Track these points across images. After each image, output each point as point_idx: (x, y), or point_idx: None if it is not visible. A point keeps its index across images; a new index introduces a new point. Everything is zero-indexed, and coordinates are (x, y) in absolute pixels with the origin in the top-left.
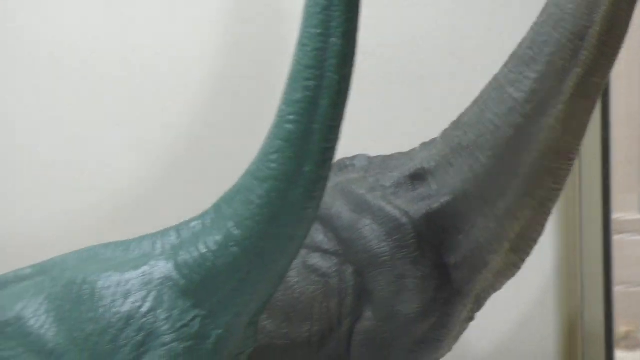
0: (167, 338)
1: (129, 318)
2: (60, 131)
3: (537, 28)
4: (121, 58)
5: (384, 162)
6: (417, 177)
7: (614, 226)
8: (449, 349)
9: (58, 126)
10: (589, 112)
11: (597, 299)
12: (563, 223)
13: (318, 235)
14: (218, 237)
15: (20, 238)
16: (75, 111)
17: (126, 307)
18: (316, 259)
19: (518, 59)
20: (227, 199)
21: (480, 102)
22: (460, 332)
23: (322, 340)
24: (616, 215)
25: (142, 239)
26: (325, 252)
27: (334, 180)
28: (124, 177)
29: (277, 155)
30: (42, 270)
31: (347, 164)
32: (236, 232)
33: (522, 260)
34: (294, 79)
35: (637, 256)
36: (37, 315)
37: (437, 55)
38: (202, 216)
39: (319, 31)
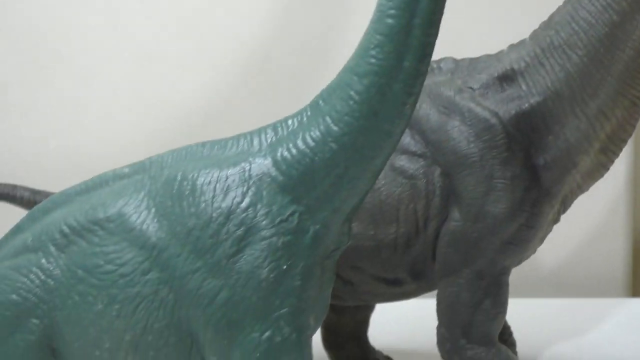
0: (267, 232)
1: (229, 213)
2: (135, 49)
3: None
4: None
5: (471, 65)
6: (506, 78)
7: None
8: (534, 251)
9: (134, 45)
10: None
11: None
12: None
13: (405, 137)
14: (316, 133)
15: (100, 152)
16: (148, 30)
17: (226, 202)
18: (403, 161)
19: None
20: (325, 95)
21: (573, 1)
22: (546, 234)
23: (408, 242)
24: None
25: (238, 137)
26: (412, 154)
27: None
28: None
29: (377, 50)
30: (140, 168)
31: (434, 67)
32: (335, 128)
33: (611, 161)
34: None
35: None
36: (138, 211)
37: None
38: (299, 113)
39: None
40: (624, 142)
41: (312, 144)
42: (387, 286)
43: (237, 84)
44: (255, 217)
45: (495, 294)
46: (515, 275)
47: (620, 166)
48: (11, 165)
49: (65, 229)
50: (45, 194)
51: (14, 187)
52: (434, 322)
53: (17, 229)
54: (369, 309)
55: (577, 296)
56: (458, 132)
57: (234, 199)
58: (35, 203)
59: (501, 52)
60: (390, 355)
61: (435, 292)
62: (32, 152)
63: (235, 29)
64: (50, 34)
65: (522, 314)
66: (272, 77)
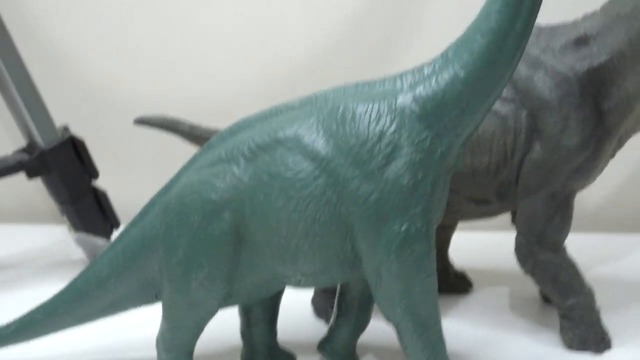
0: (407, 150)
1: (381, 134)
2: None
3: None
4: None
5: (552, 30)
6: (581, 41)
7: None
8: (594, 179)
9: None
10: None
11: None
12: None
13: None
14: (447, 77)
15: (220, 97)
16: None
17: (379, 126)
18: (498, 104)
19: None
20: (454, 48)
21: None
22: (604, 166)
23: (498, 169)
24: None
25: (384, 79)
26: (504, 99)
27: None
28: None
29: (496, 14)
30: (307, 101)
31: None
32: (461, 73)
33: None
34: None
35: None
36: (310, 132)
37: None
38: (432, 62)
39: None
40: None
41: (443, 84)
42: (476, 205)
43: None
44: (400, 138)
45: (564, 211)
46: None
47: None
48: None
49: (253, 146)
50: (199, 128)
51: (178, 121)
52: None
53: (208, 147)
54: (452, 229)
55: (615, 232)
56: (542, 83)
57: (384, 124)
58: (191, 134)
59: (576, 20)
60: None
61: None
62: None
63: None
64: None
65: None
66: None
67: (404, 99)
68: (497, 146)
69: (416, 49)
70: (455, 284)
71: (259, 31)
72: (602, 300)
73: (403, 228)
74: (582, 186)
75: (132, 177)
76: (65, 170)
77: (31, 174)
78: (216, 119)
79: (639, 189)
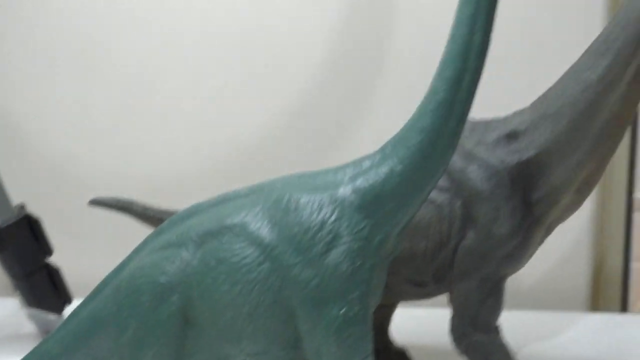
0: (347, 239)
1: (322, 224)
2: (199, 93)
3: (610, 28)
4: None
5: (485, 125)
6: (511, 136)
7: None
8: (524, 265)
9: (198, 89)
10: None
11: (618, 250)
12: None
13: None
14: (385, 170)
15: (176, 178)
16: (212, 78)
17: (321, 216)
18: (434, 194)
19: (594, 51)
20: (392, 143)
21: (562, 83)
22: (534, 252)
23: (435, 254)
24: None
25: (327, 170)
26: (441, 189)
27: None
28: (253, 134)
29: (431, 114)
30: (254, 190)
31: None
32: (398, 167)
33: (584, 199)
34: (446, 62)
35: None
36: (256, 220)
37: None
38: (371, 156)
39: (467, 30)
40: (594, 186)
41: (381, 177)
42: (415, 287)
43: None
44: (340, 227)
45: (496, 294)
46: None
47: (587, 204)
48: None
49: (202, 231)
50: (152, 209)
51: (131, 202)
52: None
53: (159, 231)
54: (393, 307)
55: (548, 309)
56: (475, 174)
57: (325, 214)
58: (144, 215)
59: (507, 116)
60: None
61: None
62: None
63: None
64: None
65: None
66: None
67: (344, 191)
68: (434, 233)
69: (365, 135)
70: (388, 354)
71: (214, 114)
72: None
73: (342, 312)
74: (513, 271)
75: (87, 254)
76: (20, 248)
77: None
78: (171, 199)
79: (572, 268)
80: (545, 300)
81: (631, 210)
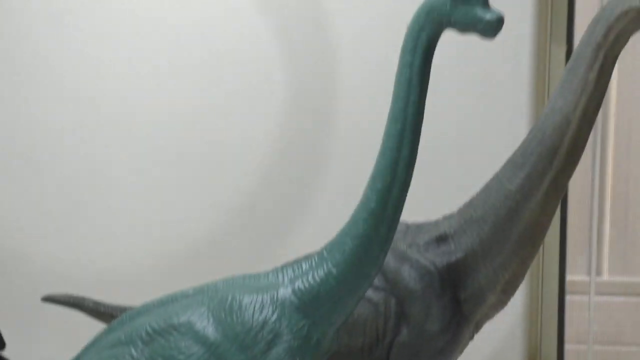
0: (287, 337)
1: (264, 323)
2: (148, 189)
3: (526, 143)
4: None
5: (417, 228)
6: (441, 239)
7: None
8: (456, 359)
9: (147, 185)
10: (558, 200)
11: (552, 335)
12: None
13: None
14: (322, 273)
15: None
16: (161, 174)
17: (262, 316)
18: (370, 292)
19: (513, 163)
20: (328, 248)
21: (486, 190)
22: (464, 347)
23: (371, 349)
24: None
25: (267, 273)
26: (376, 287)
27: None
28: (198, 228)
29: (363, 223)
30: (200, 291)
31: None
32: (334, 270)
33: (509, 299)
34: (376, 174)
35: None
36: (201, 320)
37: None
38: (310, 259)
39: (395, 146)
40: (518, 286)
41: (318, 280)
42: None
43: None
44: (280, 327)
45: None
46: None
47: (517, 300)
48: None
49: (150, 330)
50: (104, 305)
51: (83, 298)
52: None
53: (109, 330)
54: None
55: None
56: (408, 274)
57: (267, 314)
58: (96, 311)
59: (438, 220)
60: None
61: None
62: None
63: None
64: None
65: None
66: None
67: (285, 292)
68: (370, 329)
69: (309, 232)
70: None
71: (160, 211)
72: None
73: None
74: None
75: (39, 349)
76: None
77: None
78: (124, 295)
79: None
80: None
81: (563, 294)
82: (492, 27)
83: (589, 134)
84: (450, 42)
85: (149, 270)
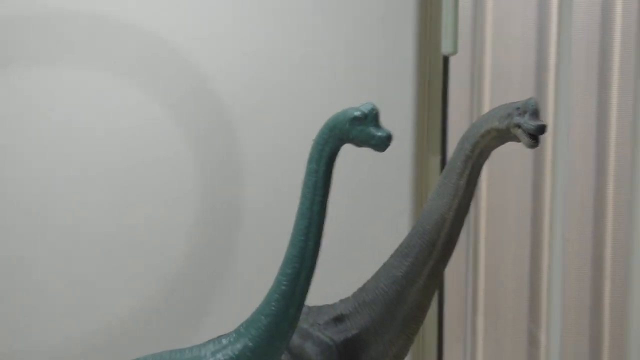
0: None
1: None
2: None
3: (410, 237)
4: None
5: (318, 309)
6: (339, 319)
7: None
8: None
9: (60, 273)
10: (437, 285)
11: None
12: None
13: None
14: (239, 346)
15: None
16: (80, 263)
17: None
18: None
19: (399, 253)
20: (245, 325)
21: (376, 277)
22: None
23: None
24: None
25: (192, 347)
26: None
27: None
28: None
29: (275, 303)
30: None
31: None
32: (250, 344)
33: None
34: (287, 261)
35: None
36: None
37: None
38: (229, 335)
39: (303, 238)
40: (404, 357)
41: (237, 352)
42: None
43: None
44: None
45: None
46: None
47: None
48: None
49: None
50: None
51: None
52: None
53: None
54: None
55: None
56: (310, 350)
57: None
58: None
59: (336, 303)
60: None
61: None
62: None
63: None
64: None
65: None
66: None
67: None
68: None
69: (224, 316)
70: None
71: (84, 291)
72: None
73: None
74: None
75: None
76: None
77: None
78: None
79: None
80: None
81: None
82: (383, 143)
83: (460, 229)
84: (345, 154)
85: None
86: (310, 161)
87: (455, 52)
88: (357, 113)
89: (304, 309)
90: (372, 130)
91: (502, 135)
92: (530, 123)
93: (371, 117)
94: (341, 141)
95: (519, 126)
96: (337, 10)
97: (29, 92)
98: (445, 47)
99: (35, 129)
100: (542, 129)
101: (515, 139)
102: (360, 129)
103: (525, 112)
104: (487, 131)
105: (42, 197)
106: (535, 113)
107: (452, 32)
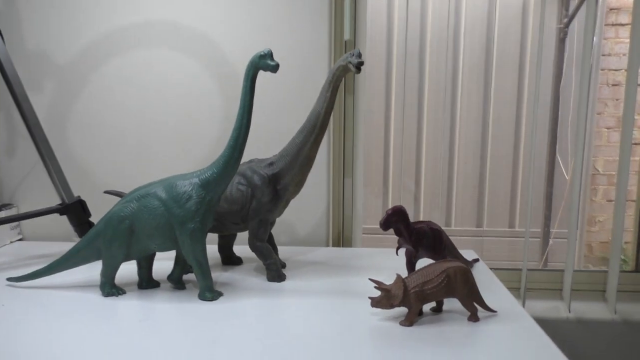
0: (195, 198)
1: (185, 192)
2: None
3: (304, 124)
4: None
5: (260, 160)
6: (270, 164)
7: None
8: (279, 214)
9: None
10: (318, 146)
11: None
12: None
13: (241, 179)
14: (210, 172)
15: None
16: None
17: (185, 189)
18: (240, 186)
19: (299, 131)
20: (214, 162)
21: (290, 143)
22: (282, 211)
23: (241, 210)
24: None
25: (188, 172)
26: (242, 184)
27: (248, 164)
28: None
29: (228, 150)
30: (159, 180)
31: (252, 159)
32: (215, 170)
33: (300, 189)
34: (234, 130)
35: None
36: (160, 191)
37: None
38: (207, 167)
39: (240, 118)
40: (303, 183)
41: (209, 174)
42: (234, 225)
43: None
44: (192, 193)
45: (265, 226)
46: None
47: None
48: None
49: (138, 195)
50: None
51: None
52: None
53: (125, 197)
54: (232, 236)
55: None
56: (256, 179)
57: (187, 188)
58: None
59: (271, 157)
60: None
61: None
62: None
63: None
64: None
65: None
66: None
67: (195, 180)
68: (240, 202)
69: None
70: (232, 260)
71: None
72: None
73: (191, 226)
74: (271, 217)
75: None
76: (77, 213)
77: (62, 213)
78: None
79: (336, 215)
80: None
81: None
82: (275, 68)
83: (328, 120)
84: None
85: None
86: (244, 79)
87: (351, 39)
88: (262, 52)
89: (254, 159)
90: (269, 61)
91: (344, 68)
92: (355, 61)
93: (268, 55)
94: (256, 68)
95: (350, 62)
96: (281, 14)
97: (144, 68)
98: (345, 35)
99: (141, 90)
100: (361, 63)
101: (350, 70)
102: (264, 61)
103: (353, 55)
104: (337, 67)
105: (142, 127)
106: (359, 55)
107: (349, 25)
